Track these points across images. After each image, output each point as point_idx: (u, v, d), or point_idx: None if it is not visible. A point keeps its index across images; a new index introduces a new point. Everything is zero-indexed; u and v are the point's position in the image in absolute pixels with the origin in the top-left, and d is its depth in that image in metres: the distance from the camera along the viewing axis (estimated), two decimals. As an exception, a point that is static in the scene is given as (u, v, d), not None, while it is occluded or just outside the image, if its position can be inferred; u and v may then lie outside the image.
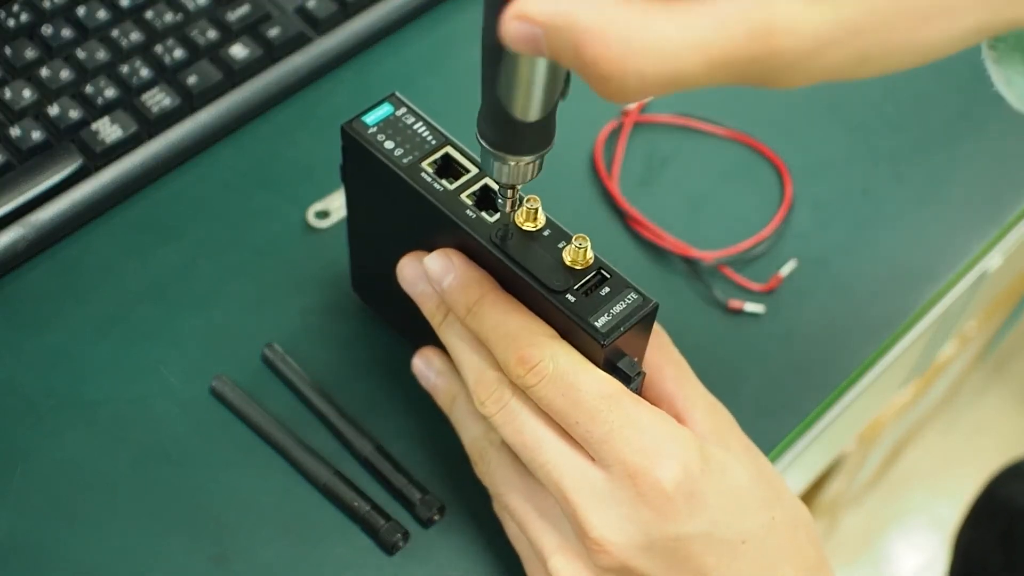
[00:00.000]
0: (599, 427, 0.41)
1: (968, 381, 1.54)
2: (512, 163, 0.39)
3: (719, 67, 0.30)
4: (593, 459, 0.42)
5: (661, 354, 0.46)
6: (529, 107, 0.35)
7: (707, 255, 0.59)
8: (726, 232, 0.61)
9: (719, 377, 0.56)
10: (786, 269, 0.60)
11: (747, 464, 0.43)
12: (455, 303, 0.44)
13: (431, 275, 0.45)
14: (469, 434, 0.48)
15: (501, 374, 0.43)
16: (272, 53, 0.63)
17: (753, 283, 0.59)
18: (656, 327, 0.45)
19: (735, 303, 0.58)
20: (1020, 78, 0.39)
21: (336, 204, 0.60)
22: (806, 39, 0.30)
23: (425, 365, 0.50)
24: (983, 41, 0.35)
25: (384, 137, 0.45)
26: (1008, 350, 1.60)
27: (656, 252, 0.60)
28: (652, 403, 0.45)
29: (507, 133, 0.37)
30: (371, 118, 0.46)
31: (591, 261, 0.42)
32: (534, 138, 0.38)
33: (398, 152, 0.45)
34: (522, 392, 0.43)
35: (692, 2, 0.30)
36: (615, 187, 0.62)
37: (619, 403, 0.41)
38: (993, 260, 0.66)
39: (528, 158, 0.38)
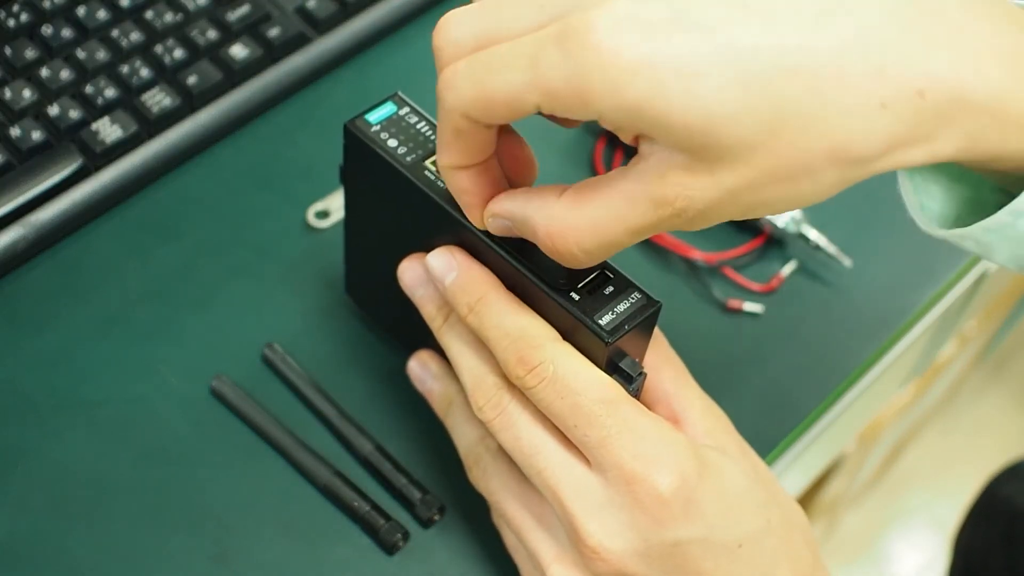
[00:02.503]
0: (597, 432, 0.41)
1: (968, 381, 1.54)
2: None
3: (638, 231, 0.37)
4: (590, 465, 0.42)
5: (658, 355, 0.46)
6: None
7: (707, 255, 0.59)
8: (726, 232, 0.61)
9: (719, 377, 0.56)
10: (786, 269, 0.60)
11: (743, 467, 0.43)
12: (456, 301, 0.44)
13: (433, 273, 0.44)
14: (464, 439, 0.48)
15: (500, 379, 0.43)
16: (272, 53, 0.63)
17: (753, 283, 0.59)
18: (655, 329, 0.45)
19: (734, 303, 0.58)
20: (933, 203, 0.43)
21: (336, 204, 0.60)
22: (697, 203, 0.36)
23: (421, 369, 0.50)
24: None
25: (387, 136, 0.45)
26: (1008, 350, 1.60)
27: (656, 252, 0.60)
28: (649, 404, 0.46)
29: None
30: (374, 117, 0.46)
31: None
32: None
33: (401, 150, 0.45)
34: (520, 397, 0.43)
35: (609, 183, 0.37)
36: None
37: (618, 408, 0.41)
38: (993, 260, 0.66)
39: None
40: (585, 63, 0.34)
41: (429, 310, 0.46)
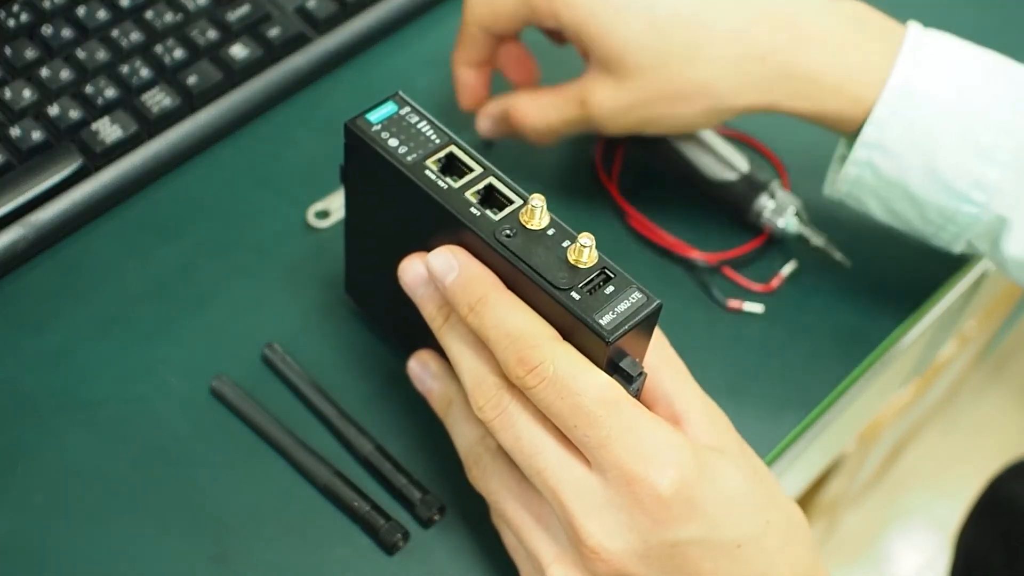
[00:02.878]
0: (597, 432, 0.41)
1: (968, 381, 1.54)
2: None
3: (567, 121, 0.56)
4: (590, 465, 0.42)
5: (658, 355, 0.46)
6: None
7: (707, 255, 0.59)
8: (726, 232, 0.61)
9: (719, 377, 0.56)
10: (786, 269, 0.60)
11: (743, 467, 0.43)
12: (457, 301, 0.44)
13: (434, 272, 0.44)
14: (464, 439, 0.48)
15: (500, 379, 0.43)
16: (272, 53, 0.63)
17: (753, 283, 0.59)
18: (655, 329, 0.45)
19: (734, 303, 0.58)
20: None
21: (336, 204, 0.60)
22: (605, 109, 0.54)
23: (421, 368, 0.50)
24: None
25: (388, 135, 0.45)
26: (1008, 350, 1.60)
27: (656, 252, 0.60)
28: (649, 404, 0.45)
29: None
30: (375, 116, 0.46)
31: (596, 260, 0.42)
32: None
33: (402, 150, 0.45)
34: (521, 397, 0.43)
35: (558, 85, 0.56)
36: (615, 187, 0.62)
37: (618, 408, 0.41)
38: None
39: None
40: None
41: (429, 309, 0.46)
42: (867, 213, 0.55)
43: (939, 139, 0.51)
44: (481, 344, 0.44)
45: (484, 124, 0.60)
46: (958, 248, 0.55)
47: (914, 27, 0.53)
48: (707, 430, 0.45)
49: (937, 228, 0.53)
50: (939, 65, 0.51)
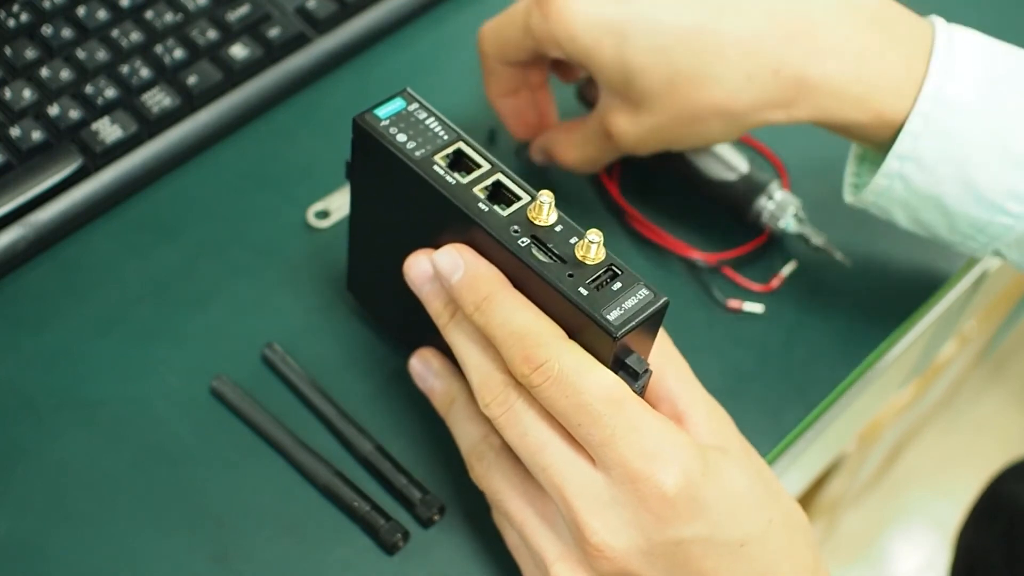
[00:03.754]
0: (601, 431, 0.41)
1: (968, 381, 1.54)
2: None
3: (605, 151, 0.56)
4: (595, 463, 0.42)
5: (662, 354, 0.46)
6: None
7: (707, 255, 0.59)
8: (726, 232, 0.61)
9: (719, 377, 0.56)
10: (786, 269, 0.60)
11: (746, 467, 0.43)
12: (463, 299, 0.44)
13: (440, 270, 0.44)
14: (467, 438, 0.48)
15: (507, 376, 0.43)
16: (272, 53, 0.63)
17: (753, 283, 0.59)
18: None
19: (734, 303, 0.58)
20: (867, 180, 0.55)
21: (336, 204, 0.60)
22: (628, 137, 0.54)
23: (423, 366, 0.50)
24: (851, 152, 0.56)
25: (396, 131, 0.45)
26: (1008, 350, 1.60)
27: (656, 252, 0.60)
28: (652, 403, 0.45)
29: None
30: (383, 111, 0.46)
31: (603, 257, 0.42)
32: None
33: (410, 145, 0.45)
34: (527, 395, 0.43)
35: (584, 120, 0.57)
36: (615, 187, 0.62)
37: (622, 407, 0.41)
38: (993, 260, 0.66)
39: None
40: (553, 21, 0.51)
41: (436, 306, 0.46)
42: (890, 221, 0.54)
43: (973, 150, 0.49)
44: (487, 341, 0.44)
45: (538, 158, 0.60)
46: (982, 255, 0.54)
47: (941, 26, 0.50)
48: (711, 429, 0.45)
49: (965, 238, 0.52)
50: (972, 70, 0.49)
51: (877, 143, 0.52)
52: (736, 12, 0.50)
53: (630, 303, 0.42)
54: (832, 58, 0.49)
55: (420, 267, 0.46)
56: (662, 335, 0.46)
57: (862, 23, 0.50)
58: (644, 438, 0.41)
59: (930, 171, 0.50)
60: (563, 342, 0.42)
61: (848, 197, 0.55)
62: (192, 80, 0.61)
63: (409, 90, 0.47)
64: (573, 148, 0.57)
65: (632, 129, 0.53)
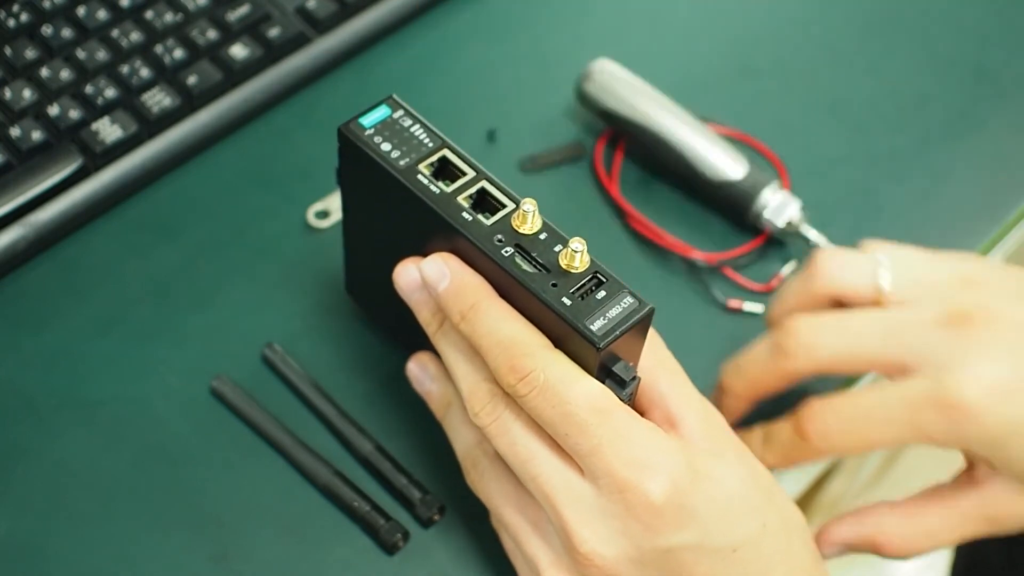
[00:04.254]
0: (588, 440, 0.41)
1: (968, 381, 1.54)
2: None
3: (964, 536, 0.50)
4: (583, 472, 0.42)
5: (654, 357, 0.46)
6: None
7: (707, 255, 0.59)
8: (726, 232, 0.61)
9: (719, 377, 0.55)
10: (786, 269, 0.60)
11: (738, 470, 0.43)
12: (449, 308, 0.44)
13: (427, 279, 0.44)
14: (462, 443, 0.48)
15: (494, 386, 0.43)
16: (272, 53, 0.63)
17: (753, 283, 0.59)
18: (651, 332, 0.45)
19: (734, 303, 0.58)
20: None
21: (336, 204, 0.60)
22: (1021, 520, 0.49)
23: (420, 370, 0.50)
24: None
25: (381, 139, 0.45)
26: (1008, 350, 1.59)
27: (656, 252, 0.60)
28: (645, 407, 0.45)
29: None
30: (368, 120, 0.46)
31: (587, 264, 0.42)
32: None
33: (395, 154, 0.45)
34: (515, 404, 0.43)
35: (943, 499, 0.51)
36: (615, 187, 0.62)
37: (609, 416, 0.41)
38: (993, 260, 0.66)
39: None
40: (965, 426, 0.47)
41: (424, 315, 0.46)
42: None
43: None
44: (475, 351, 0.44)
45: (831, 551, 0.53)
46: None
47: None
48: (704, 433, 0.45)
49: None
50: None
51: None
52: None
53: (614, 312, 0.41)
54: None
55: (408, 275, 0.46)
56: (654, 338, 0.46)
57: None
58: (631, 447, 0.41)
59: None
60: (549, 352, 0.42)
61: None
62: (192, 80, 0.61)
63: (395, 97, 0.46)
64: (920, 536, 0.51)
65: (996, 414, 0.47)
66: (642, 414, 0.44)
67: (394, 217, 0.47)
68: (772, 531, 0.43)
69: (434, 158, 0.45)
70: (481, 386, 0.43)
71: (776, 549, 0.43)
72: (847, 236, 0.60)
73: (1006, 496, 0.50)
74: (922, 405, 0.47)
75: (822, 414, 0.49)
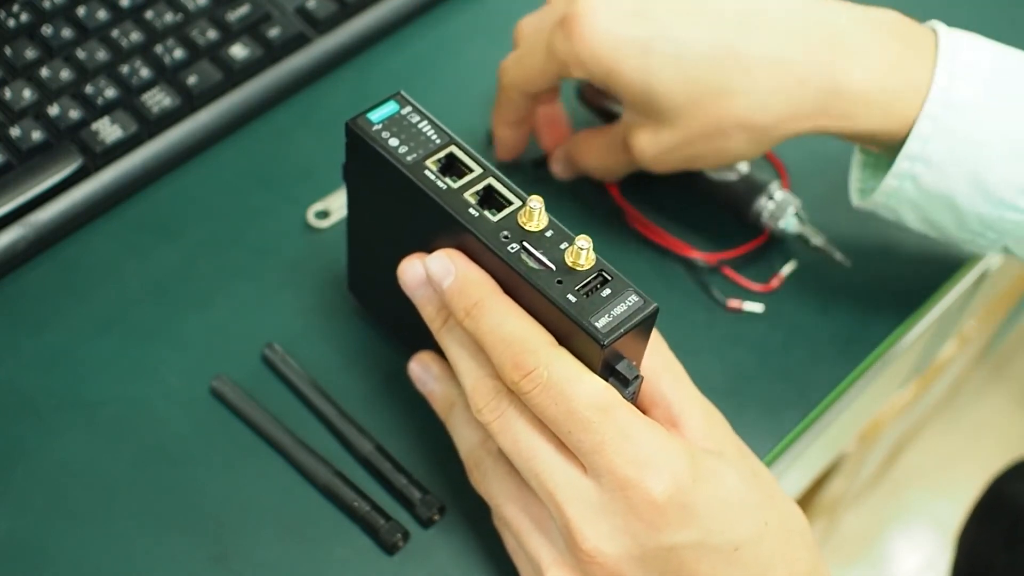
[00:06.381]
0: (591, 437, 0.41)
1: (968, 381, 1.54)
2: None
3: (622, 162, 0.57)
4: (586, 469, 0.42)
5: (656, 358, 0.46)
6: None
7: (707, 255, 0.59)
8: (726, 232, 0.61)
9: (719, 377, 0.56)
10: (786, 269, 0.60)
11: (740, 470, 0.43)
12: (454, 304, 0.44)
13: (432, 276, 0.45)
14: (466, 442, 0.48)
15: (499, 382, 0.43)
16: (272, 53, 0.63)
17: (753, 283, 0.59)
18: (654, 333, 0.45)
19: (734, 302, 0.58)
20: (875, 184, 0.56)
21: (336, 204, 0.60)
22: (647, 153, 0.54)
23: (422, 370, 0.50)
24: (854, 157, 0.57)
25: (389, 135, 0.45)
26: (1008, 350, 1.60)
27: (656, 252, 0.60)
28: (646, 407, 0.46)
29: None
30: (376, 115, 0.46)
31: (593, 262, 0.42)
32: None
33: (402, 150, 0.45)
34: (518, 401, 0.43)
35: (607, 129, 0.57)
36: (615, 187, 0.62)
37: (612, 414, 0.41)
38: (993, 260, 0.66)
39: None
40: (576, 41, 0.51)
41: (429, 311, 0.46)
42: (899, 222, 0.54)
43: (982, 148, 0.50)
44: (479, 347, 0.44)
45: (557, 168, 0.61)
46: (992, 252, 0.55)
47: (943, 31, 0.51)
48: (705, 433, 0.45)
49: (975, 235, 0.53)
50: (976, 71, 0.50)
51: (886, 146, 0.52)
52: (759, 27, 0.50)
53: (619, 309, 0.41)
54: (856, 64, 0.50)
55: (414, 271, 0.46)
56: (657, 338, 0.46)
57: (881, 31, 0.51)
58: (634, 445, 0.41)
59: (939, 171, 0.50)
60: (553, 349, 0.42)
61: (856, 200, 0.56)
62: (192, 80, 0.61)
63: (403, 93, 0.47)
64: (593, 155, 0.58)
65: (653, 146, 0.53)
66: (644, 413, 0.44)
67: (400, 213, 0.47)
68: (773, 530, 0.43)
69: (441, 154, 0.45)
70: (484, 383, 0.44)
71: (777, 548, 0.43)
72: (847, 236, 0.60)
73: (631, 125, 0.54)
74: (555, 30, 0.52)
75: (505, 62, 0.56)
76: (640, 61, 0.50)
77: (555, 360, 0.41)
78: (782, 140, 0.52)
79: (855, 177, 0.56)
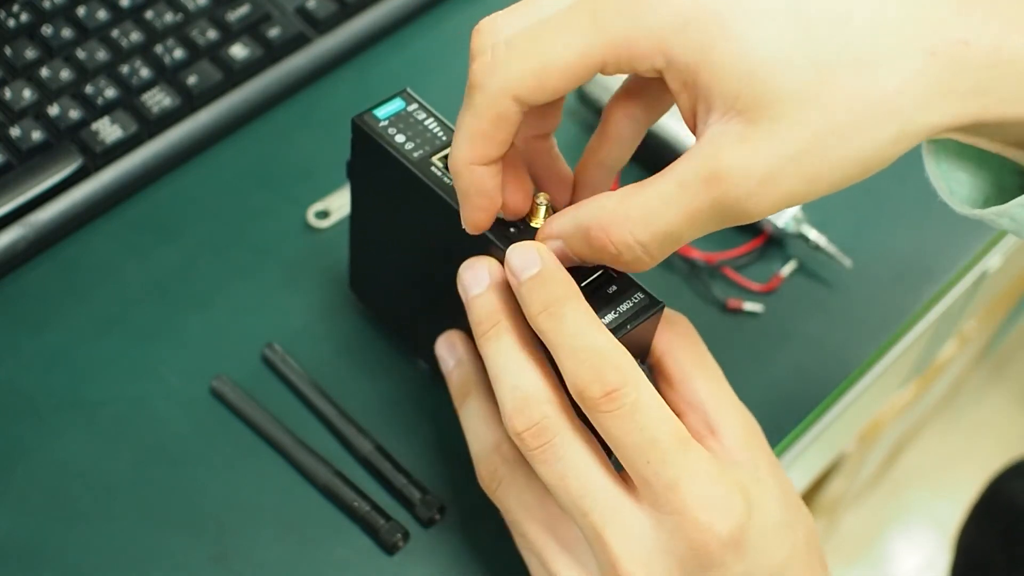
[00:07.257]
0: (668, 472, 0.38)
1: (968, 381, 1.54)
2: None
3: (695, 215, 0.36)
4: (638, 499, 0.39)
5: (694, 360, 0.44)
6: None
7: (707, 255, 0.59)
8: (726, 232, 0.61)
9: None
10: (786, 269, 0.60)
11: (776, 492, 0.42)
12: (531, 298, 0.39)
13: (512, 266, 0.39)
14: (478, 441, 0.44)
15: (550, 405, 0.39)
16: (272, 53, 0.63)
17: (753, 283, 0.59)
18: (690, 330, 0.45)
19: (734, 303, 0.58)
20: (961, 188, 0.42)
21: (336, 204, 0.60)
22: (752, 175, 0.35)
23: (448, 349, 0.47)
24: (924, 149, 0.42)
25: (395, 131, 0.45)
26: (1008, 350, 1.60)
27: (656, 252, 0.60)
28: (682, 411, 0.44)
29: None
30: (382, 112, 0.46)
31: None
32: None
33: (409, 146, 0.45)
34: (574, 426, 0.39)
35: (664, 171, 0.37)
36: (616, 186, 0.62)
37: (689, 449, 0.38)
38: (993, 260, 0.66)
39: None
40: (646, 8, 0.35)
41: (479, 313, 0.41)
42: (1014, 232, 0.41)
43: None
44: (530, 360, 0.40)
45: (552, 246, 0.41)
46: None
47: None
48: (742, 444, 0.43)
49: None
50: None
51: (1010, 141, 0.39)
52: None
53: (625, 306, 0.41)
54: (1018, 32, 0.35)
55: (474, 272, 0.42)
56: (695, 341, 0.44)
57: None
58: (702, 486, 0.38)
59: None
60: (638, 372, 0.38)
61: (960, 208, 0.42)
62: (192, 80, 0.61)
63: (409, 90, 0.47)
64: (641, 218, 0.37)
65: (759, 161, 0.35)
66: (679, 416, 0.41)
67: (405, 210, 0.47)
68: (800, 550, 0.42)
69: (447, 151, 0.45)
70: (532, 401, 0.39)
71: (804, 563, 0.42)
72: (847, 236, 0.60)
73: (720, 140, 0.35)
74: (597, 1, 0.36)
75: (492, 52, 0.39)
76: (751, 21, 0.34)
77: (643, 383, 0.38)
78: (928, 136, 0.36)
79: (936, 175, 0.43)
